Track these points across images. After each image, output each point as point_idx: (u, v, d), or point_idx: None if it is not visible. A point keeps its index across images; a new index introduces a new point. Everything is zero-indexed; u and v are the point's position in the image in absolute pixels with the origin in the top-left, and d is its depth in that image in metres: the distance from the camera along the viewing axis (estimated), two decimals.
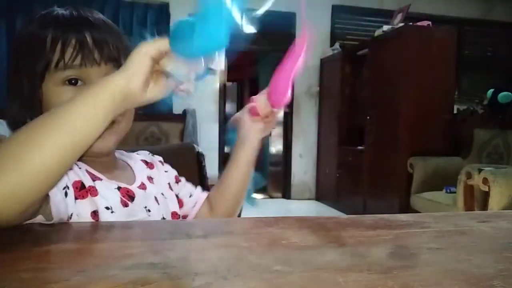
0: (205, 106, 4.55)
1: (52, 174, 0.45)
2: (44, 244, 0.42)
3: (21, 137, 0.44)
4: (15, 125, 0.62)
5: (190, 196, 0.83)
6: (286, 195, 5.17)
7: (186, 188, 0.83)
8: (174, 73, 0.51)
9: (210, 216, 0.83)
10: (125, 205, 0.65)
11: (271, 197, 5.45)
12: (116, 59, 0.63)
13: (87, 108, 0.46)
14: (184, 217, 0.82)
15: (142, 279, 0.35)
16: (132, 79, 0.48)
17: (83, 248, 0.43)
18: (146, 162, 0.79)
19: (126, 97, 0.48)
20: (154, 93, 0.51)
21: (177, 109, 4.38)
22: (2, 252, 0.40)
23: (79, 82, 0.61)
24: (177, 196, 0.80)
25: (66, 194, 0.57)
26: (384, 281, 0.36)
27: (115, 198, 0.64)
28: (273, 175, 5.57)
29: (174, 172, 0.83)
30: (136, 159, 0.77)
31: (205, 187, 1.18)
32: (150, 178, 0.75)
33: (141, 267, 0.38)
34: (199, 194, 0.84)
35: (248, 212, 0.85)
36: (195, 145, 1.13)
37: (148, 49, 0.49)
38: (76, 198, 0.59)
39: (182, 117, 4.23)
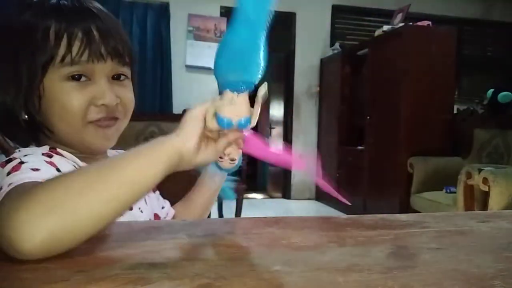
0: None
1: (101, 225, 0.43)
2: None
3: (74, 185, 0.42)
4: (6, 113, 0.60)
5: (163, 208, 0.82)
6: (286, 195, 5.17)
7: (158, 199, 0.82)
8: (219, 118, 0.51)
9: None
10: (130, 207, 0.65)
11: (271, 197, 5.46)
12: (121, 54, 0.62)
13: (146, 164, 0.47)
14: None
15: (142, 279, 0.35)
16: (187, 140, 0.50)
17: (83, 248, 0.43)
18: None
19: (182, 158, 0.49)
20: (206, 155, 0.53)
21: (177, 109, 4.38)
22: (2, 252, 0.40)
23: (82, 78, 0.59)
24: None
25: None
26: (384, 281, 0.36)
27: None
28: (273, 175, 5.57)
29: None
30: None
31: None
32: None
33: (141, 267, 0.38)
34: (170, 208, 0.83)
35: (248, 212, 0.85)
36: None
37: (199, 110, 0.52)
38: None
39: (182, 117, 4.23)
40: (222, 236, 0.52)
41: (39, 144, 0.63)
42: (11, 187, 0.47)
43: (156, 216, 0.76)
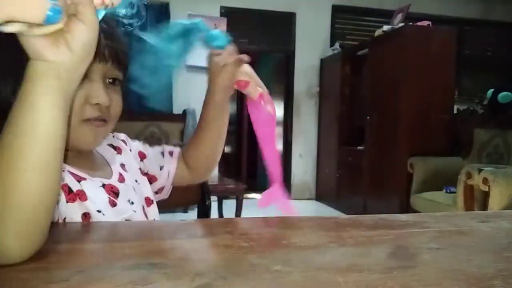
0: None
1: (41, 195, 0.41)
2: (44, 244, 0.42)
3: None
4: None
5: (161, 168, 0.81)
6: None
7: (154, 161, 0.81)
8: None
9: (191, 177, 0.84)
10: (113, 204, 0.64)
11: None
12: (120, 58, 0.62)
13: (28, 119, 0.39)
14: (161, 189, 0.82)
15: (142, 279, 0.35)
16: (43, 55, 0.39)
17: (83, 248, 0.43)
18: (113, 147, 0.76)
19: (60, 75, 0.40)
20: (81, 34, 0.40)
21: (177, 109, 4.38)
22: None
23: None
24: (147, 173, 0.79)
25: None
26: (384, 281, 0.36)
27: (103, 198, 0.63)
28: None
29: (137, 147, 0.81)
30: (103, 145, 0.73)
31: (206, 187, 1.18)
32: (123, 165, 0.73)
33: (141, 267, 0.38)
34: (170, 163, 0.82)
35: (248, 212, 0.85)
36: None
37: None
38: (66, 202, 0.58)
39: (182, 117, 4.23)
40: (222, 236, 0.52)
41: None
42: None
43: (148, 200, 0.74)
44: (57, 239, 0.48)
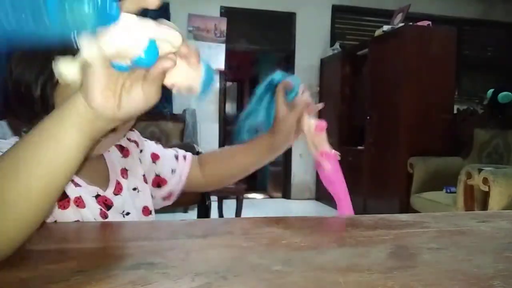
0: (205, 106, 4.56)
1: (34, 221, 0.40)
2: (44, 244, 0.42)
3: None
4: (17, 85, 0.56)
5: (173, 172, 0.79)
6: (286, 195, 5.17)
7: (167, 163, 0.79)
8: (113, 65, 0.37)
9: (203, 184, 0.83)
10: (104, 216, 0.63)
11: (271, 197, 5.45)
12: None
13: (55, 152, 0.39)
14: (169, 195, 0.80)
15: (142, 279, 0.35)
16: (91, 99, 0.38)
17: (83, 248, 0.43)
18: (121, 148, 0.73)
19: (96, 120, 0.39)
20: (132, 102, 0.39)
21: (177, 109, 4.38)
22: None
23: None
24: (158, 175, 0.78)
25: None
26: (384, 281, 0.36)
27: (95, 209, 0.62)
28: (273, 175, 5.57)
29: (150, 148, 0.79)
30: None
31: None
32: (124, 171, 0.71)
33: (141, 267, 0.38)
34: (183, 168, 0.81)
35: (248, 212, 0.85)
36: (195, 145, 1.13)
37: (88, 56, 0.37)
38: (58, 207, 0.58)
39: (182, 117, 4.23)
40: (222, 236, 0.52)
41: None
42: None
43: (146, 210, 0.72)
44: (57, 239, 0.48)
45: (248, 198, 5.13)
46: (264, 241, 0.49)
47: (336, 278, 0.36)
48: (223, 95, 4.91)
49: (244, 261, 0.41)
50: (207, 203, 1.15)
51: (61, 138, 0.39)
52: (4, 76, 0.57)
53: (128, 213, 0.67)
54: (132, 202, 0.69)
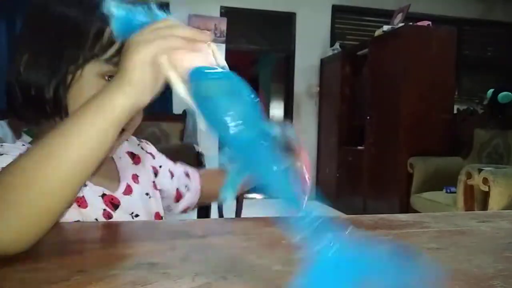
0: None
1: (64, 204, 0.42)
2: (44, 244, 0.42)
3: (26, 173, 0.40)
4: (28, 87, 0.56)
5: (187, 187, 0.83)
6: None
7: (182, 180, 0.82)
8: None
9: (202, 198, 0.87)
10: (108, 216, 0.62)
11: (271, 197, 5.46)
12: None
13: (95, 136, 0.42)
14: (186, 209, 0.84)
15: (142, 279, 0.35)
16: (142, 99, 0.42)
17: (83, 248, 0.43)
18: (132, 155, 0.74)
19: (133, 113, 0.43)
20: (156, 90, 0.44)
21: (177, 109, 4.38)
22: None
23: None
24: (177, 189, 0.81)
25: None
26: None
27: (99, 209, 0.62)
28: None
29: (168, 166, 0.81)
30: (122, 151, 0.72)
31: None
32: (135, 177, 0.71)
33: (141, 267, 0.38)
34: (196, 182, 0.85)
35: (248, 212, 0.85)
36: (195, 145, 1.13)
37: (148, 55, 0.41)
38: None
39: (182, 117, 4.23)
40: (222, 236, 0.52)
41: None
42: None
43: (157, 216, 0.73)
44: (57, 239, 0.48)
45: (248, 198, 5.13)
46: (264, 241, 0.49)
47: None
48: None
49: (244, 261, 0.41)
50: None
51: (103, 133, 0.42)
52: (9, 77, 0.57)
53: (137, 215, 0.67)
54: (143, 206, 0.70)
